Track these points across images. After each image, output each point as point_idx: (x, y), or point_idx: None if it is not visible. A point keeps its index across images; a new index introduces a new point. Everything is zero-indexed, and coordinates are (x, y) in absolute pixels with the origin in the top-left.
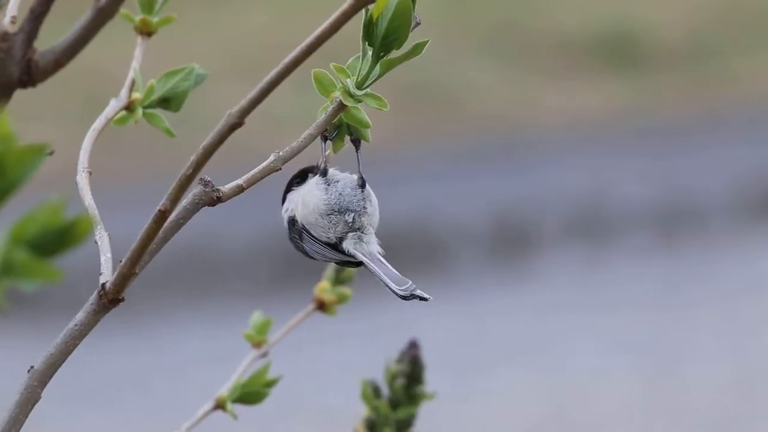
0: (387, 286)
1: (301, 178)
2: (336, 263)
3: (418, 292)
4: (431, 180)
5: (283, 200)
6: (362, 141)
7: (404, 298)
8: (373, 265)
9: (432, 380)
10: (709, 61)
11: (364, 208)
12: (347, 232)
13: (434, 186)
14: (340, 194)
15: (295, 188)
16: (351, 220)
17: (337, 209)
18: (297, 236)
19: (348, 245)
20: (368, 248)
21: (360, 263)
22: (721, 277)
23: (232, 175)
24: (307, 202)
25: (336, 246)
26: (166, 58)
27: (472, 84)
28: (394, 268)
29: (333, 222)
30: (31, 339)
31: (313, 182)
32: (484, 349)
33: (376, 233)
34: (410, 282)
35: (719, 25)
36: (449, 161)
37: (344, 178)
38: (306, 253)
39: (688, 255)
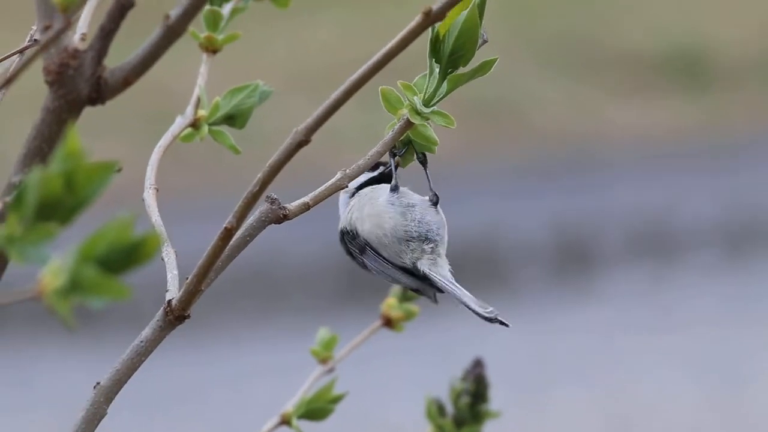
0: (470, 308)
1: (372, 168)
2: (399, 284)
3: (501, 317)
4: (495, 196)
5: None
6: (428, 157)
7: (489, 320)
8: (451, 287)
9: (495, 398)
10: None
11: (442, 238)
12: (423, 255)
13: (498, 202)
14: (420, 222)
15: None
16: (430, 249)
17: (416, 236)
18: (358, 250)
19: (423, 267)
20: (442, 271)
21: (422, 290)
22: None
23: (293, 190)
24: (380, 223)
25: (410, 270)
26: (229, 74)
27: (537, 99)
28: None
29: (411, 248)
30: (94, 353)
31: (384, 200)
32: (549, 368)
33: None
34: (491, 307)
35: None
36: (513, 177)
37: (420, 202)
38: (363, 265)
39: (756, 273)
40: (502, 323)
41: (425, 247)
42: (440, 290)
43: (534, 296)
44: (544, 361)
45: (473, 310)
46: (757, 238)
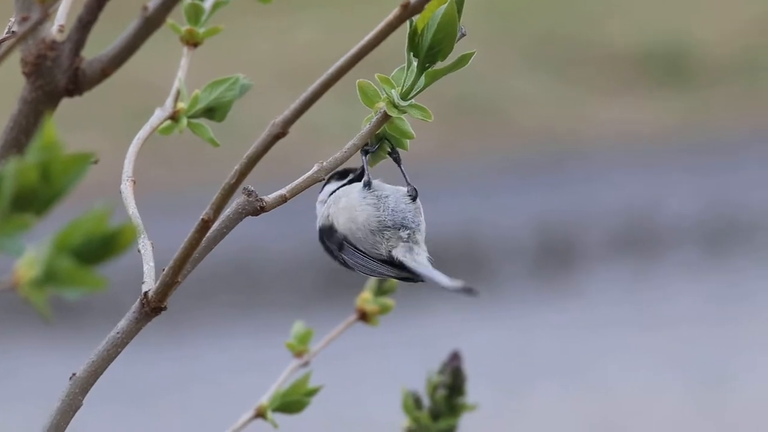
0: (435, 280)
1: (340, 174)
2: (381, 276)
3: (467, 285)
4: (476, 193)
5: (321, 189)
6: (401, 154)
7: (455, 290)
8: (422, 269)
9: (474, 394)
10: (761, 77)
11: (418, 225)
12: (398, 243)
13: (479, 199)
14: (393, 210)
15: (334, 181)
16: (406, 236)
17: (391, 225)
18: (336, 246)
19: (397, 254)
20: (417, 257)
21: (409, 277)
22: None
23: (272, 185)
24: (353, 216)
25: (387, 260)
26: (211, 67)
27: (518, 96)
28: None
29: (387, 237)
30: (72, 346)
31: (358, 194)
32: (528, 365)
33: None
34: (459, 281)
35: None
36: (494, 174)
37: (393, 192)
38: (344, 263)
39: (737, 271)
40: (470, 291)
41: (402, 234)
42: (417, 275)
43: (515, 293)
44: (524, 357)
45: (437, 281)
46: (739, 236)
